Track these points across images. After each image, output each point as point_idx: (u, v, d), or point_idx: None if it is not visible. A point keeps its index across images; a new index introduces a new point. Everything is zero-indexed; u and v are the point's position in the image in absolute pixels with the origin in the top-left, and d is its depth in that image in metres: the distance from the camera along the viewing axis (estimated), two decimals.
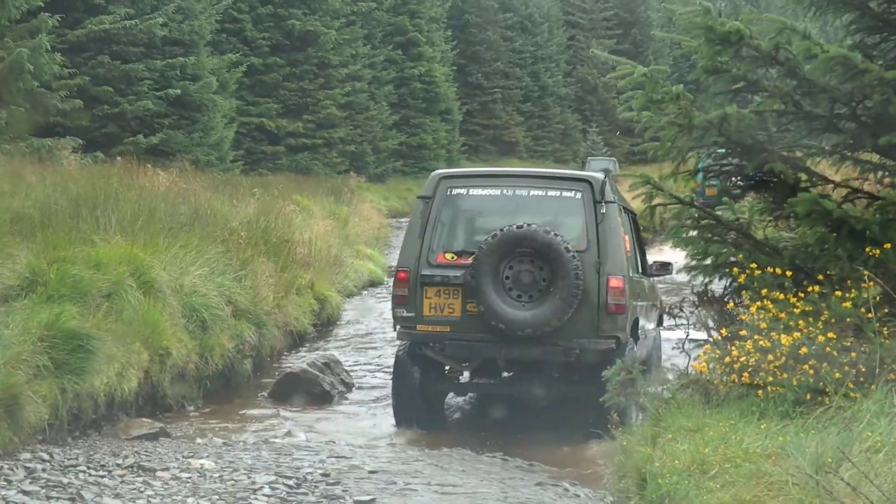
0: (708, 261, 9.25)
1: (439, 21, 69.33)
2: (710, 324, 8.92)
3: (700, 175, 35.05)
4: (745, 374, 7.50)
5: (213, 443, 9.50)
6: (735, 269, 8.84)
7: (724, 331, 8.30)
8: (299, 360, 13.29)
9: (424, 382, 10.55)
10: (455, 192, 10.55)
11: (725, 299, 9.21)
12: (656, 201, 9.43)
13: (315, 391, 11.82)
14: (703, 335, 9.00)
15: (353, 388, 12.44)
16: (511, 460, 9.29)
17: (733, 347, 7.73)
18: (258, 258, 14.42)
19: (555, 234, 9.87)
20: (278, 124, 49.55)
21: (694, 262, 9.38)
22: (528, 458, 9.44)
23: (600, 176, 10.38)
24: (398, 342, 10.78)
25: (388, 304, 18.94)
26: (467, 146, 72.90)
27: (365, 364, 14.00)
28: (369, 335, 16.29)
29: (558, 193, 10.41)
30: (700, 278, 9.38)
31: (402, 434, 10.52)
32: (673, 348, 10.34)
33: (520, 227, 9.93)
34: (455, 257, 10.29)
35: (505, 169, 11.81)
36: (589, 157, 63.56)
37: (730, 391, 7.59)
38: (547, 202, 10.48)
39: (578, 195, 10.24)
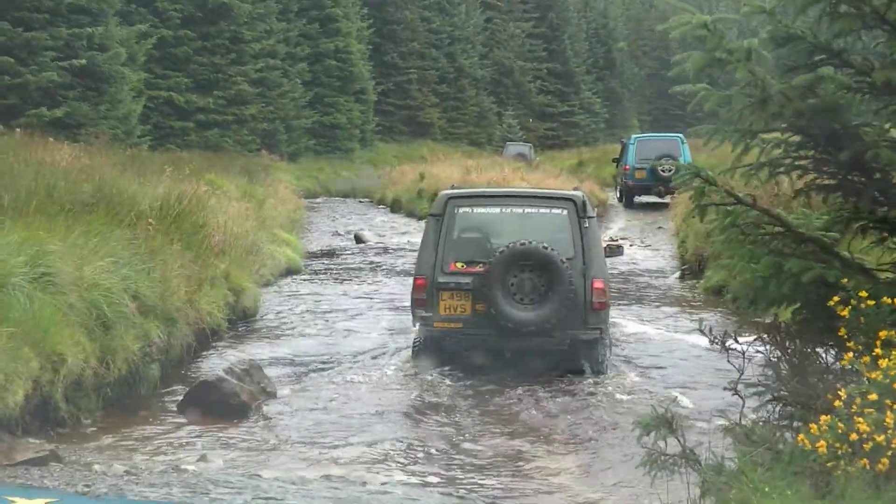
0: (783, 283, 6.83)
1: None
2: (784, 367, 6.80)
3: (631, 157, 34.55)
4: (885, 459, 5.34)
5: (112, 471, 7.92)
6: (836, 298, 6.25)
7: (842, 393, 5.66)
8: (214, 366, 11.77)
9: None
10: (461, 210, 12.47)
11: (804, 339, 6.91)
12: (709, 200, 7.18)
13: (232, 402, 10.27)
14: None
15: (275, 397, 10.90)
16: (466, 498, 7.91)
17: (860, 419, 5.39)
18: (169, 246, 12.83)
19: (552, 250, 11.79)
20: (188, 99, 47.79)
21: (759, 282, 7.06)
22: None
23: (581, 195, 12.52)
24: (413, 336, 12.67)
25: (309, 295, 17.84)
26: (382, 126, 71.30)
27: (286, 366, 12.48)
28: (289, 332, 14.77)
29: (548, 211, 12.50)
30: (762, 305, 7.23)
31: (334, 461, 9.05)
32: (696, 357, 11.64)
33: (523, 244, 11.83)
34: (464, 266, 12.19)
35: (503, 190, 14.51)
36: (507, 143, 62.60)
37: (856, 480, 5.22)
38: (539, 218, 12.49)
39: (565, 212, 12.28)
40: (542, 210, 12.52)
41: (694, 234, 21.01)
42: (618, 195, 38.53)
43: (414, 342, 12.63)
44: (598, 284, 11.99)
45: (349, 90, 64.39)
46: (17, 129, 23.75)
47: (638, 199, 36.06)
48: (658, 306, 17.61)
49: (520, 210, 12.55)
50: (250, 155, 45.53)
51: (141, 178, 17.71)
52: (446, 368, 12.26)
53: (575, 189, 14.09)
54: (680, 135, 39.50)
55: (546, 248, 11.79)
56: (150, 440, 9.42)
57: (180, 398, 10.56)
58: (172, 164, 20.81)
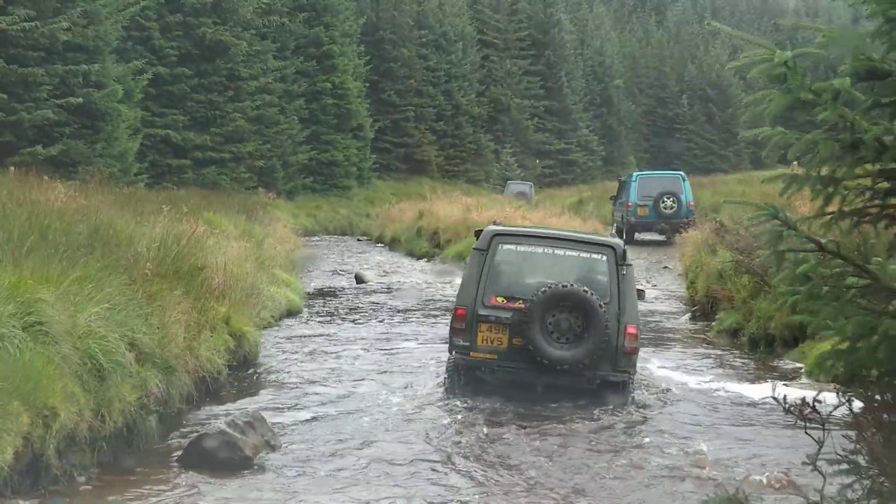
0: (878, 346, 5.79)
1: (352, 36, 67.34)
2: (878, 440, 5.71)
3: (633, 195, 34.29)
4: None
5: None
6: None
7: None
8: (215, 417, 11.15)
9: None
10: (505, 247, 12.93)
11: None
12: (787, 245, 6.11)
13: (235, 456, 9.67)
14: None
15: (279, 450, 10.29)
16: None
17: None
18: (167, 290, 12.25)
19: (591, 293, 12.20)
20: (185, 137, 47.41)
21: (845, 344, 6.07)
22: None
23: (621, 243, 13.11)
24: (448, 359, 13.09)
25: (311, 338, 17.27)
26: (379, 164, 70.87)
27: (290, 415, 11.88)
28: (292, 377, 14.17)
29: (588, 255, 12.87)
30: (847, 369, 6.14)
31: None
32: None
33: (564, 285, 12.25)
34: (505, 301, 12.59)
35: (547, 230, 14.63)
36: (508, 182, 62.31)
37: None
38: (579, 262, 12.85)
39: (604, 258, 12.71)
40: (583, 254, 12.90)
41: (705, 275, 20.51)
42: (613, 232, 38.14)
43: (447, 369, 13.09)
44: (631, 330, 12.43)
45: (346, 127, 64.02)
46: (11, 168, 23.21)
47: (639, 236, 35.71)
48: (675, 348, 17.14)
49: (561, 252, 12.92)
50: (247, 193, 45.05)
51: (138, 218, 17.17)
52: (460, 413, 11.97)
53: (613, 236, 14.66)
54: (681, 172, 39.37)
55: (586, 291, 12.22)
56: (147, 498, 8.83)
57: (180, 452, 9.95)
58: (170, 203, 20.24)
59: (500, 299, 12.60)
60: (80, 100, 32.95)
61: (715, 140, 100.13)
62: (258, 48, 53.37)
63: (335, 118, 63.10)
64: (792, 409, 5.96)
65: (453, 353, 12.81)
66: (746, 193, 34.19)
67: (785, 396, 6.06)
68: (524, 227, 17.51)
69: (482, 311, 12.53)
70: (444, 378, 13.17)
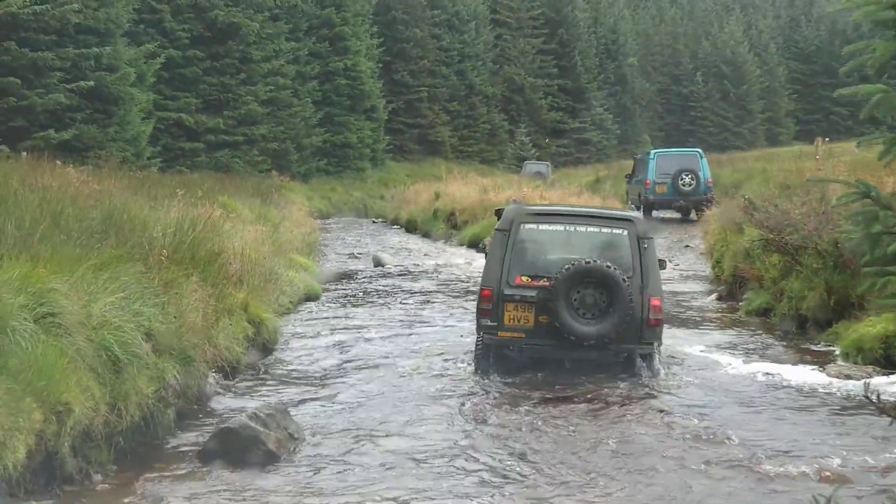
0: None
1: (365, 16, 66.86)
2: None
3: (651, 172, 34.07)
4: None
5: None
6: None
7: None
8: (235, 408, 10.74)
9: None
10: (527, 227, 13.00)
11: None
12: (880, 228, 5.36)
13: (258, 451, 9.25)
14: None
15: (304, 443, 9.86)
16: None
17: None
18: (184, 278, 11.83)
19: (614, 268, 12.34)
20: (198, 120, 47.10)
21: None
22: None
23: (641, 217, 13.54)
24: (475, 339, 13.18)
25: (330, 323, 16.87)
26: (392, 145, 70.47)
27: (313, 405, 11.45)
28: (313, 365, 13.74)
29: (609, 230, 12.94)
30: None
31: None
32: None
33: (588, 262, 12.37)
34: (529, 280, 12.69)
35: (567, 208, 14.65)
36: (525, 162, 61.98)
37: None
38: (601, 237, 12.93)
39: (626, 232, 12.82)
40: (605, 230, 12.97)
41: (731, 254, 20.03)
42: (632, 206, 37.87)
43: (476, 349, 13.15)
44: (654, 302, 12.59)
45: (359, 109, 63.65)
46: (24, 153, 22.88)
47: (657, 213, 35.39)
48: (705, 330, 16.71)
49: (583, 229, 13.02)
50: (261, 176, 44.71)
51: (152, 203, 16.78)
52: (488, 396, 11.76)
53: (633, 211, 14.21)
54: (698, 149, 39.01)
55: (609, 266, 12.33)
56: (167, 496, 8.41)
57: (200, 447, 9.52)
58: (184, 187, 19.82)
59: (524, 278, 12.71)
60: (92, 83, 32.64)
61: (730, 117, 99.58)
62: (270, 30, 52.99)
63: (348, 99, 62.75)
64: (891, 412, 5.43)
65: (481, 333, 12.90)
66: (767, 170, 33.72)
67: (878, 395, 5.55)
68: (545, 205, 17.35)
69: (507, 291, 12.65)
70: (473, 358, 13.23)
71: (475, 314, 13.14)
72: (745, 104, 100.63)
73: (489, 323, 12.70)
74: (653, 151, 39.00)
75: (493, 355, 12.89)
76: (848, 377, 12.58)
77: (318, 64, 60.52)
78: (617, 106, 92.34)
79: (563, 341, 12.43)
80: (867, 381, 11.62)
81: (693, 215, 34.40)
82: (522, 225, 12.95)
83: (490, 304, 12.68)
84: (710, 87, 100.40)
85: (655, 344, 12.76)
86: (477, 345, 13.16)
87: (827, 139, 28.95)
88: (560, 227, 13.13)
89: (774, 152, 57.74)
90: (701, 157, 35.95)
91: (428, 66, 74.69)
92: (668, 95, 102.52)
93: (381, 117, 66.72)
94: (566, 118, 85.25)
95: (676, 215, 35.55)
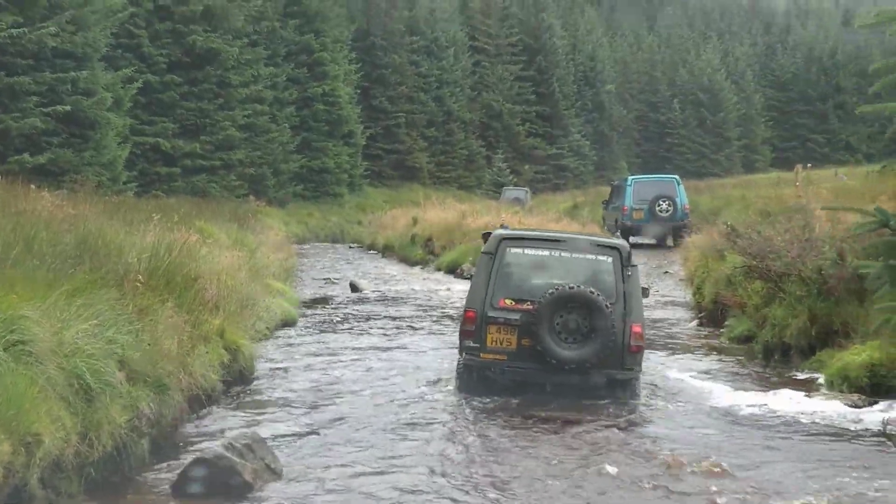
0: None
1: (344, 42, 66.80)
2: None
3: (629, 198, 34.29)
4: None
5: None
6: None
7: None
8: (211, 438, 10.47)
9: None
10: (513, 251, 13.11)
11: None
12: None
13: (233, 482, 8.99)
14: None
15: (281, 476, 9.58)
16: None
17: None
18: (159, 303, 11.57)
19: (598, 294, 12.43)
20: (174, 145, 46.82)
21: None
22: None
23: (626, 245, 13.20)
24: (458, 361, 13.31)
25: (308, 349, 16.62)
26: (370, 171, 70.32)
27: (291, 435, 11.17)
28: (291, 393, 13.45)
29: (594, 257, 13.05)
30: None
31: None
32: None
33: (571, 287, 12.50)
34: (513, 303, 12.79)
35: (553, 233, 14.55)
36: (504, 188, 62.09)
37: None
38: (585, 263, 13.05)
39: (610, 259, 12.90)
40: (589, 256, 13.08)
41: (713, 280, 19.89)
42: (618, 234, 37.84)
43: (457, 371, 13.33)
44: (636, 329, 12.65)
45: (337, 134, 63.53)
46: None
47: (633, 239, 35.40)
48: (687, 356, 16.54)
49: (568, 254, 13.12)
50: (238, 200, 44.44)
51: (128, 227, 16.49)
52: (470, 422, 11.64)
53: (618, 239, 14.55)
54: (676, 176, 39.15)
55: (593, 292, 12.45)
56: None
57: (174, 478, 9.23)
58: (160, 211, 19.53)
59: (508, 301, 12.83)
60: (69, 108, 32.35)
61: (706, 144, 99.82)
62: (249, 56, 52.85)
63: (326, 125, 62.62)
64: None
65: (463, 354, 13.01)
66: (746, 197, 33.68)
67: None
68: (531, 230, 17.27)
69: (491, 313, 12.77)
70: (455, 378, 13.38)
71: (458, 335, 13.21)
72: (722, 131, 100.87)
73: (472, 344, 12.79)
74: (630, 178, 39.11)
75: (475, 377, 12.94)
76: (833, 404, 12.41)
77: (297, 89, 60.35)
78: (594, 132, 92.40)
79: (545, 365, 12.51)
80: (885, 417, 11.48)
81: (669, 241, 34.42)
82: (508, 249, 13.06)
83: (473, 325, 12.78)
84: (687, 114, 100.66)
85: (636, 370, 12.84)
86: (459, 366, 13.27)
87: (809, 165, 28.89)
88: (546, 252, 13.19)
89: (752, 179, 57.87)
90: (678, 184, 36.21)
91: (406, 92, 74.63)
92: (645, 122, 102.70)
93: (358, 143, 66.56)
94: (543, 144, 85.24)
95: (653, 241, 35.57)
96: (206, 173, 48.38)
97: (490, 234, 13.76)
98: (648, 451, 10.62)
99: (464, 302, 13.48)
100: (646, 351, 13.76)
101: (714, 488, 9.17)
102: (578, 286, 12.51)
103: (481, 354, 12.77)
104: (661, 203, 34.80)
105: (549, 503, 8.84)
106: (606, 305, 12.40)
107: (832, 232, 15.87)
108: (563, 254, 13.14)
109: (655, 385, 13.81)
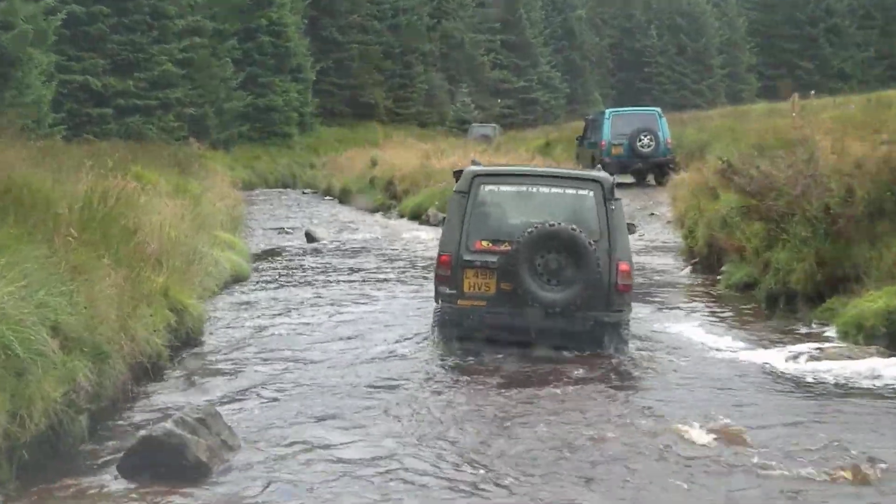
0: None
1: None
2: None
3: (606, 133, 33.96)
4: None
5: None
6: None
7: None
8: (159, 412, 10.10)
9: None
10: (487, 188, 13.08)
11: None
12: None
13: (186, 462, 8.60)
14: None
15: (239, 450, 9.22)
16: None
17: None
18: (95, 260, 11.17)
19: (579, 231, 12.43)
20: (105, 83, 46.30)
21: None
22: None
23: (608, 177, 13.07)
24: (435, 308, 13.36)
25: (262, 307, 16.29)
26: (322, 109, 69.81)
27: (248, 405, 10.81)
28: (245, 357, 13.08)
29: (574, 192, 13.01)
30: None
31: None
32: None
33: (551, 225, 12.44)
34: (490, 245, 12.77)
35: (530, 169, 14.74)
36: (472, 124, 61.91)
37: None
38: (565, 199, 13.01)
39: (591, 193, 12.86)
40: (569, 190, 13.04)
41: (706, 222, 19.63)
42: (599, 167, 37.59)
43: (434, 319, 13.42)
44: (623, 267, 12.65)
45: (285, 69, 63.00)
46: None
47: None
48: (682, 306, 16.39)
49: (546, 189, 13.09)
50: (177, 144, 43.90)
51: (57, 175, 16.03)
52: (446, 385, 11.41)
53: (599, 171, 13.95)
54: (657, 109, 38.85)
55: (574, 229, 12.43)
56: None
57: (119, 458, 8.85)
58: (92, 157, 19.07)
59: (485, 243, 12.83)
60: None
61: (687, 73, 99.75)
62: None
63: (272, 59, 62.07)
64: None
65: (439, 302, 13.09)
66: (736, 130, 33.42)
67: None
68: (505, 166, 17.47)
69: (467, 257, 12.79)
70: (431, 327, 13.53)
71: (433, 281, 13.24)
72: (704, 59, 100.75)
73: (448, 291, 12.84)
74: (608, 111, 38.77)
75: (452, 326, 12.97)
76: (849, 359, 12.17)
77: (239, 20, 59.61)
78: (565, 63, 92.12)
79: (528, 309, 12.53)
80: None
81: (651, 179, 34.18)
82: (482, 186, 13.04)
83: (449, 270, 12.81)
84: (665, 41, 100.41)
85: (625, 311, 12.87)
86: (435, 313, 13.34)
87: (812, 92, 28.62)
88: (522, 188, 13.18)
89: (740, 110, 57.55)
90: (660, 117, 35.90)
91: (359, 21, 74.00)
92: (619, 51, 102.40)
93: (308, 78, 66.03)
94: (511, 77, 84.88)
95: (633, 180, 35.28)
96: (142, 114, 47.86)
97: (462, 171, 13.63)
98: (649, 413, 10.33)
99: (432, 250, 13.31)
100: (637, 302, 13.54)
101: (734, 454, 8.90)
102: (559, 223, 12.48)
103: (459, 301, 12.77)
104: (642, 138, 34.49)
105: (543, 481, 8.52)
106: (589, 243, 12.39)
107: (839, 166, 15.58)
108: (541, 189, 13.13)
109: (650, 339, 13.56)
